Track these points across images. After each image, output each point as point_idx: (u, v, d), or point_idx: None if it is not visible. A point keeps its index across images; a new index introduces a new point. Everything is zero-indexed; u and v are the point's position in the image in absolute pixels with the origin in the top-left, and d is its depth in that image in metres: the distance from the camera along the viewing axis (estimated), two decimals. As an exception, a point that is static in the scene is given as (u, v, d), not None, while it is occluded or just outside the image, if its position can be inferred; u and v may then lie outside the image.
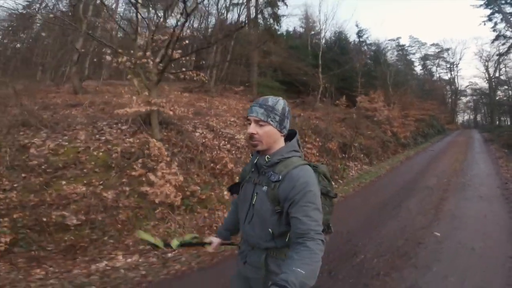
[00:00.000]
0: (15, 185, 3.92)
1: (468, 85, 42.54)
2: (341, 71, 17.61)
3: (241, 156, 6.62)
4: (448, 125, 31.90)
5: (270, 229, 1.09)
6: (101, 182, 4.47)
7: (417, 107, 20.94)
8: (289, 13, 31.91)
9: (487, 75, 36.02)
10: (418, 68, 40.16)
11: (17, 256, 3.13)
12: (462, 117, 50.67)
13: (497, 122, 34.53)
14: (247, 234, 1.18)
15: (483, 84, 38.17)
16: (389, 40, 30.41)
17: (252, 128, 1.10)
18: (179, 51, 5.32)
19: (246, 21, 15.53)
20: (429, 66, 43.29)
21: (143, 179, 4.57)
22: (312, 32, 23.06)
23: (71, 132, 5.55)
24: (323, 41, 19.98)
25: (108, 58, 5.09)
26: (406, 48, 36.53)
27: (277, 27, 19.21)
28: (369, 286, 2.51)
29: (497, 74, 34.09)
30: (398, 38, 32.38)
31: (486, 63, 35.32)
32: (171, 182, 4.27)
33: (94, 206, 3.99)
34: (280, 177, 1.07)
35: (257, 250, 1.16)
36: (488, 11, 24.85)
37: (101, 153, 5.05)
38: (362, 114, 14.64)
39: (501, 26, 23.94)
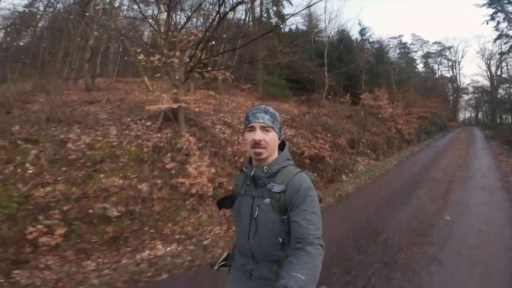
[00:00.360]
0: (58, 179, 4.12)
1: (469, 83, 42.91)
2: (346, 69, 17.98)
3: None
4: (449, 123, 32.33)
5: (279, 238, 1.10)
6: (135, 175, 4.76)
7: (419, 105, 21.40)
8: (294, 10, 31.99)
9: (488, 73, 36.40)
10: (420, 66, 40.47)
11: (65, 249, 3.26)
12: (464, 114, 51.12)
13: (499, 120, 34.93)
14: (253, 249, 1.15)
15: (485, 82, 38.62)
16: (391, 38, 30.68)
17: (259, 135, 1.10)
18: (212, 47, 5.74)
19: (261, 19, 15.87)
20: (431, 64, 43.63)
21: (173, 172, 4.94)
22: (315, 30, 23.38)
23: (101, 128, 5.91)
24: (327, 39, 20.29)
25: (141, 57, 5.49)
26: (408, 46, 36.83)
27: (281, 26, 19.54)
28: (396, 259, 2.98)
29: (498, 72, 34.55)
30: (400, 36, 32.61)
31: (488, 61, 35.72)
32: (205, 173, 4.71)
33: (131, 198, 4.22)
34: (284, 187, 1.08)
35: (264, 263, 1.14)
36: (491, 10, 25.21)
37: (133, 148, 5.39)
38: (367, 112, 15.08)
39: (503, 25, 24.30)
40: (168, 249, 3.64)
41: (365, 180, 6.90)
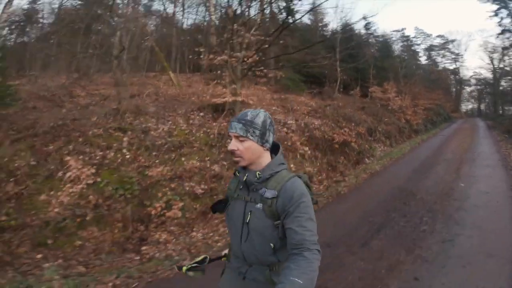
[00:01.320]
0: (156, 161, 5.09)
1: (472, 75, 43.85)
2: (356, 64, 19.13)
3: (298, 137, 8.38)
4: (453, 114, 33.58)
5: (271, 244, 1.10)
6: (207, 158, 5.98)
7: (425, 97, 22.65)
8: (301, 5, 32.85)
9: (491, 66, 37.26)
10: (423, 59, 41.34)
11: (171, 224, 3.89)
12: (466, 106, 52.24)
13: (501, 111, 36.12)
14: (245, 252, 1.17)
15: (487, 74, 39.24)
16: (393, 31, 31.38)
17: (232, 145, 1.12)
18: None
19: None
20: (434, 57, 44.48)
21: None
22: (320, 24, 24.32)
23: (170, 118, 7.14)
24: (340, 35, 21.33)
25: (206, 56, 6.73)
26: (411, 39, 37.59)
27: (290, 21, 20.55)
28: (433, 208, 4.32)
29: (501, 65, 35.49)
30: (403, 29, 33.30)
31: (491, 55, 36.31)
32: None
33: (209, 177, 5.25)
34: (276, 193, 1.08)
35: (257, 267, 1.16)
36: (495, 7, 26.07)
37: (202, 134, 6.63)
38: (377, 104, 16.36)
39: (506, 21, 25.19)
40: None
41: (387, 161, 8.26)
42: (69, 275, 2.70)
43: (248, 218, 1.12)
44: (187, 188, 4.83)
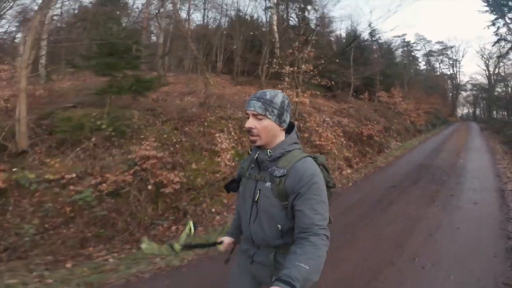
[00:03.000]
0: None
1: (468, 80, 46.67)
2: (364, 70, 22.02)
3: (335, 131, 11.17)
4: (449, 118, 36.81)
5: (279, 225, 1.11)
6: None
7: (425, 101, 25.76)
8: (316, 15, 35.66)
9: (487, 72, 39.83)
10: (421, 64, 44.21)
11: None
12: (462, 110, 55.67)
13: (496, 116, 39.03)
14: (253, 233, 1.19)
15: (483, 80, 42.11)
16: (394, 36, 33.58)
17: (250, 122, 1.12)
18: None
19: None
20: (433, 62, 47.55)
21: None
22: (327, 30, 27.07)
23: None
24: (353, 44, 24.18)
25: (276, 67, 9.45)
26: (412, 44, 40.07)
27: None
28: (443, 176, 6.97)
29: (496, 71, 38.46)
30: (403, 35, 33.96)
31: (487, 61, 38.87)
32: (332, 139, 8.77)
33: None
34: (285, 171, 1.09)
35: (264, 249, 1.19)
36: (493, 17, 28.82)
37: None
38: (385, 107, 19.30)
39: (502, 30, 28.00)
40: None
41: (404, 151, 11.13)
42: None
43: (258, 196, 1.14)
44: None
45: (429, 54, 45.73)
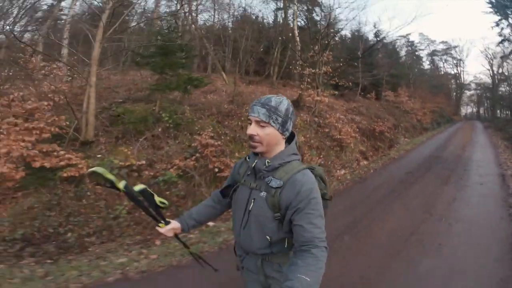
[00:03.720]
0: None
1: (472, 80, 47.19)
2: (370, 69, 22.92)
3: (350, 127, 12.18)
4: (453, 117, 37.74)
5: (268, 236, 1.12)
6: (307, 135, 9.73)
7: (430, 101, 26.77)
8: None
9: (491, 72, 40.39)
10: (425, 63, 44.83)
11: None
12: (465, 109, 56.42)
13: (499, 115, 39.44)
14: (242, 240, 1.20)
15: (487, 79, 42.69)
16: (399, 36, 34.28)
17: (252, 129, 1.10)
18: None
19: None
20: (437, 62, 48.15)
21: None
22: (332, 30, 27.87)
23: None
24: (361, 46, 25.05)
25: (299, 69, 10.47)
26: (416, 44, 40.49)
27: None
28: (454, 161, 8.14)
29: (500, 71, 38.68)
30: (408, 35, 33.93)
31: (491, 61, 39.46)
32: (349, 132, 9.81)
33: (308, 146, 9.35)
34: (281, 183, 1.08)
35: (252, 256, 1.21)
36: (497, 18, 29.63)
37: (299, 120, 10.36)
38: (393, 106, 20.29)
39: (506, 31, 28.88)
40: (342, 172, 8.66)
41: (413, 146, 12.16)
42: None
43: (251, 205, 1.14)
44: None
45: (433, 53, 46.34)
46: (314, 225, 1.04)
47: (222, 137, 7.14)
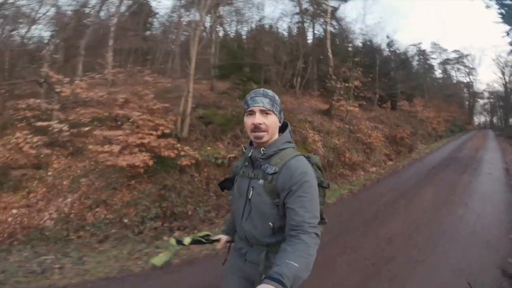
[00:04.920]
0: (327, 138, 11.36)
1: (485, 89, 47.84)
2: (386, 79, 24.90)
3: (376, 133, 14.22)
4: (466, 126, 39.25)
5: (270, 223, 1.17)
6: (338, 139, 11.86)
7: (444, 110, 28.67)
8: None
9: (503, 80, 41.13)
10: (437, 72, 45.69)
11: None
12: (479, 119, 57.38)
13: None
14: (246, 231, 1.24)
15: (500, 88, 43.75)
16: (410, 45, 33.86)
17: (259, 118, 1.17)
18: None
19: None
20: (449, 71, 49.08)
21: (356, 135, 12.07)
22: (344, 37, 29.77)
23: (309, 116, 13.01)
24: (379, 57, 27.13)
25: (333, 83, 12.66)
26: (428, 53, 40.09)
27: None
28: (468, 161, 10.16)
29: None
30: (419, 43, 35.10)
31: (503, 69, 40.30)
32: (378, 137, 11.89)
33: (339, 148, 11.39)
34: (277, 169, 1.15)
35: (256, 247, 1.24)
36: (507, 27, 31.26)
37: (333, 127, 12.49)
38: (407, 115, 22.26)
39: None
40: (374, 169, 10.77)
41: (431, 150, 14.19)
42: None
43: (251, 194, 1.20)
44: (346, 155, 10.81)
45: (445, 62, 47.39)
46: (305, 208, 1.07)
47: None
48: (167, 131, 6.06)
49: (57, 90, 6.40)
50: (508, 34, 32.34)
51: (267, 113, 1.18)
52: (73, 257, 3.64)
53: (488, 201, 5.49)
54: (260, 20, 18.93)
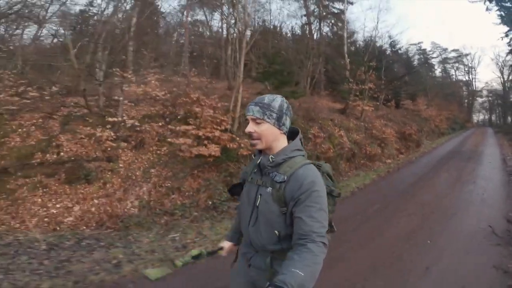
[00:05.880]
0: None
1: (484, 87, 48.87)
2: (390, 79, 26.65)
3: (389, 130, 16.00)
4: (465, 123, 41.09)
5: (276, 231, 1.18)
6: (357, 134, 13.62)
7: (445, 108, 30.58)
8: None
9: (502, 79, 42.68)
10: (437, 71, 45.12)
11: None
12: (477, 116, 58.17)
13: (511, 121, 41.80)
14: (252, 237, 1.27)
15: (498, 87, 44.98)
16: (410, 44, 35.06)
17: (250, 127, 1.20)
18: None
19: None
20: (448, 69, 50.12)
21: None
22: (348, 37, 31.21)
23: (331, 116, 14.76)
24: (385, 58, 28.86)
25: (351, 85, 14.39)
26: (428, 52, 40.59)
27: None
28: (469, 154, 12.01)
29: (511, 78, 40.79)
30: (419, 43, 36.06)
31: (502, 69, 41.69)
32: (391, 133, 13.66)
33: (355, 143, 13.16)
34: (286, 177, 1.15)
35: (261, 253, 1.26)
36: (506, 28, 32.84)
37: (351, 124, 14.22)
38: (411, 113, 24.07)
39: None
40: (389, 161, 12.49)
41: (436, 145, 16.03)
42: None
43: (258, 201, 1.21)
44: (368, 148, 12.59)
45: (444, 61, 48.46)
46: (313, 218, 1.07)
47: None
48: (228, 126, 7.46)
49: (125, 88, 7.50)
50: (506, 35, 33.79)
51: (258, 122, 1.19)
52: (192, 233, 4.20)
53: (490, 181, 7.30)
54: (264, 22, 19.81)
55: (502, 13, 33.02)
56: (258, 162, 1.25)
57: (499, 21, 32.86)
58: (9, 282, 2.80)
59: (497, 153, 12.42)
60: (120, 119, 6.96)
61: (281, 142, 1.23)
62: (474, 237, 3.92)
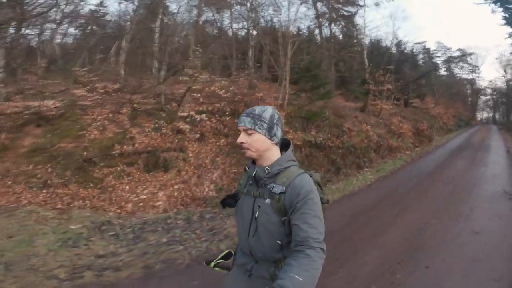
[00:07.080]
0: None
1: (487, 85, 49.62)
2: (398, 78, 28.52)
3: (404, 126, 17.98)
4: (471, 121, 42.96)
5: (278, 241, 1.22)
6: (373, 127, 15.62)
7: (452, 106, 32.56)
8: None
9: (506, 78, 42.92)
10: (442, 70, 46.02)
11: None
12: (481, 114, 59.13)
13: None
14: (253, 247, 1.29)
15: (502, 85, 45.69)
16: (415, 43, 35.15)
17: (241, 138, 1.25)
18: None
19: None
20: (453, 68, 51.35)
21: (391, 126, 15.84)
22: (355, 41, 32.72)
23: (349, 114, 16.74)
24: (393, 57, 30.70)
25: (371, 85, 16.34)
26: (432, 51, 41.28)
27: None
28: (478, 146, 14.15)
29: None
30: (424, 42, 36.27)
31: (505, 67, 41.93)
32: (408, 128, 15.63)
33: (374, 137, 15.14)
34: (284, 188, 1.20)
35: (263, 263, 1.28)
36: (510, 29, 34.39)
37: (373, 121, 16.21)
38: (420, 111, 26.02)
39: None
40: (408, 152, 14.48)
41: (447, 140, 18.04)
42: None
43: (257, 213, 1.24)
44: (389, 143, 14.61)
45: (449, 60, 49.64)
46: (309, 224, 1.11)
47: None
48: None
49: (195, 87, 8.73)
50: (510, 35, 35.56)
51: (249, 133, 1.23)
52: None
53: (498, 165, 9.42)
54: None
55: (507, 14, 34.98)
56: (253, 173, 1.27)
57: (503, 22, 34.79)
58: (196, 249, 3.39)
59: (502, 146, 14.55)
60: (186, 114, 8.26)
61: (273, 152, 1.28)
62: (493, 196, 6.00)
